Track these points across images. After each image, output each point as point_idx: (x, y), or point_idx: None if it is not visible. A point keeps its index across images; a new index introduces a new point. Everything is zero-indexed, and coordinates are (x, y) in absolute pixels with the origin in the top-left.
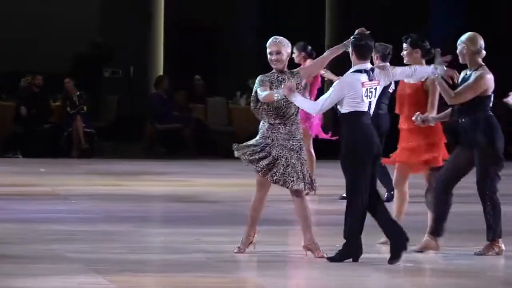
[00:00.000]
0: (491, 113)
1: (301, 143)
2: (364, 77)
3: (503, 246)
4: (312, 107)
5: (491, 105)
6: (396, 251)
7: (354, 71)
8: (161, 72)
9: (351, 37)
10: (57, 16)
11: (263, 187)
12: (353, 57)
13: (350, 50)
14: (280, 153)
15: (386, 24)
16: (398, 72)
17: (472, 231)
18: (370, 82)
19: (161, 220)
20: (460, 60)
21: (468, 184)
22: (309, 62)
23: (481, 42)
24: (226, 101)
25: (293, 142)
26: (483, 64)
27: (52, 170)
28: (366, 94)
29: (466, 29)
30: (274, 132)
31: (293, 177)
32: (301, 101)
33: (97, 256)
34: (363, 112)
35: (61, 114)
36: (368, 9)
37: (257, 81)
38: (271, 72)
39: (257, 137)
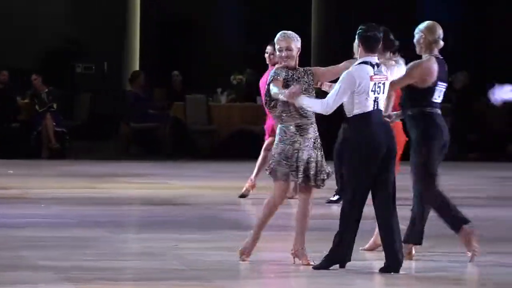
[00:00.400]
0: (431, 109)
1: (319, 139)
2: (371, 70)
3: (469, 229)
4: (321, 106)
5: (435, 99)
6: (387, 269)
7: (361, 63)
8: (137, 68)
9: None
10: (26, 9)
11: (284, 195)
12: (359, 49)
13: (356, 42)
14: (311, 154)
15: (377, 15)
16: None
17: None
18: (378, 76)
19: (137, 225)
20: (417, 51)
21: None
22: None
23: (440, 32)
24: (206, 98)
25: (315, 140)
26: (437, 54)
27: (21, 171)
28: (373, 89)
29: (461, 20)
30: (303, 135)
31: (324, 176)
32: (309, 102)
33: (69, 264)
34: (370, 112)
35: (30, 112)
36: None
37: (271, 74)
38: (284, 67)
39: (280, 145)
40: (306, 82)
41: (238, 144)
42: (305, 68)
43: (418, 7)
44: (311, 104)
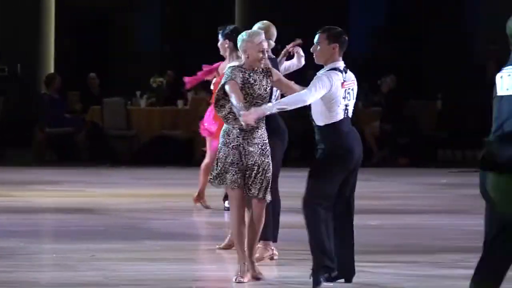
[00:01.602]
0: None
1: (268, 146)
2: (341, 76)
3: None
4: (299, 99)
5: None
6: (336, 278)
7: (331, 69)
8: (52, 70)
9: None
10: None
11: (241, 203)
12: (333, 52)
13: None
14: (257, 160)
15: (300, 11)
16: None
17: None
18: (347, 83)
19: (53, 234)
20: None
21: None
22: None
23: (273, 32)
24: (124, 101)
25: (263, 145)
26: (269, 55)
27: None
28: (344, 96)
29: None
30: (246, 139)
31: (266, 186)
32: (280, 105)
33: None
34: (341, 121)
35: None
36: None
37: (226, 74)
38: (243, 67)
39: (224, 149)
40: (264, 85)
41: (158, 149)
42: (266, 68)
43: (351, 9)
44: (285, 103)
